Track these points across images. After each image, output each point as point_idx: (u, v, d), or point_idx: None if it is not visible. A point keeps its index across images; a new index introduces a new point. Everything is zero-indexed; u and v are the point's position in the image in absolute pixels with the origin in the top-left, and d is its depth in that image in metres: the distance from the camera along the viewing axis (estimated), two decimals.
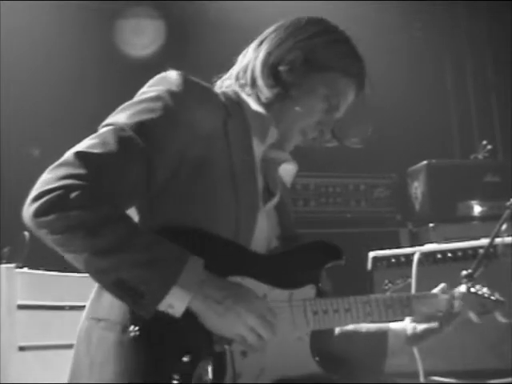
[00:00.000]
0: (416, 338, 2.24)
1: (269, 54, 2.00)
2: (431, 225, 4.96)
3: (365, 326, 2.24)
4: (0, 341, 2.96)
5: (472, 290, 2.34)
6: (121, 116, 1.77)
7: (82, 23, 5.70)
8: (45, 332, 3.15)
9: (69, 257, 1.65)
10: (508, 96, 6.45)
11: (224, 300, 1.69)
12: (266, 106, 2.01)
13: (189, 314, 1.68)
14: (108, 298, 1.72)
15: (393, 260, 4.07)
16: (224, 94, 1.99)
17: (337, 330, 2.23)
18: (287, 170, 2.13)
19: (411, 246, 4.60)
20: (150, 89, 1.85)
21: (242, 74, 2.04)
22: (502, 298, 2.39)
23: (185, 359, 1.68)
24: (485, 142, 5.54)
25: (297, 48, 1.99)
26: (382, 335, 2.22)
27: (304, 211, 5.19)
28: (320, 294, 1.95)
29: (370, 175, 5.51)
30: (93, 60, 5.71)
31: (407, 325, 2.26)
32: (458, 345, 3.61)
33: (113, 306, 1.70)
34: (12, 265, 3.09)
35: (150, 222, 1.81)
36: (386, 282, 3.97)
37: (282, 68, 1.98)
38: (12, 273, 3.06)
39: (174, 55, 6.17)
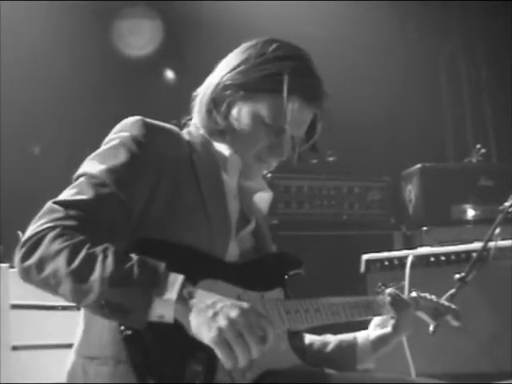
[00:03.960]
0: (377, 343, 2.30)
1: (207, 92, 2.05)
2: (425, 228, 4.97)
3: (333, 337, 2.32)
4: None
5: (422, 295, 2.48)
6: (91, 166, 1.87)
7: (80, 23, 5.72)
8: (38, 332, 3.15)
9: (61, 294, 1.69)
10: (502, 99, 6.48)
11: (209, 308, 1.65)
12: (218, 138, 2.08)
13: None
14: (95, 336, 1.81)
15: (386, 263, 4.07)
16: (189, 132, 2.08)
17: (306, 342, 2.29)
18: (262, 198, 2.18)
19: (405, 248, 4.62)
20: (114, 136, 1.93)
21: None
22: (450, 304, 2.53)
23: (175, 360, 1.70)
24: (479, 146, 5.56)
25: (232, 82, 2.01)
26: (350, 343, 2.30)
27: (298, 213, 5.18)
28: (287, 297, 2.04)
29: (363, 178, 5.52)
30: (90, 59, 5.73)
31: (370, 331, 2.31)
32: (449, 348, 3.62)
33: (102, 343, 1.78)
34: (5, 264, 3.09)
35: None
36: (379, 284, 3.96)
37: (217, 109, 2.03)
38: (5, 272, 3.06)
39: (169, 55, 6.20)
